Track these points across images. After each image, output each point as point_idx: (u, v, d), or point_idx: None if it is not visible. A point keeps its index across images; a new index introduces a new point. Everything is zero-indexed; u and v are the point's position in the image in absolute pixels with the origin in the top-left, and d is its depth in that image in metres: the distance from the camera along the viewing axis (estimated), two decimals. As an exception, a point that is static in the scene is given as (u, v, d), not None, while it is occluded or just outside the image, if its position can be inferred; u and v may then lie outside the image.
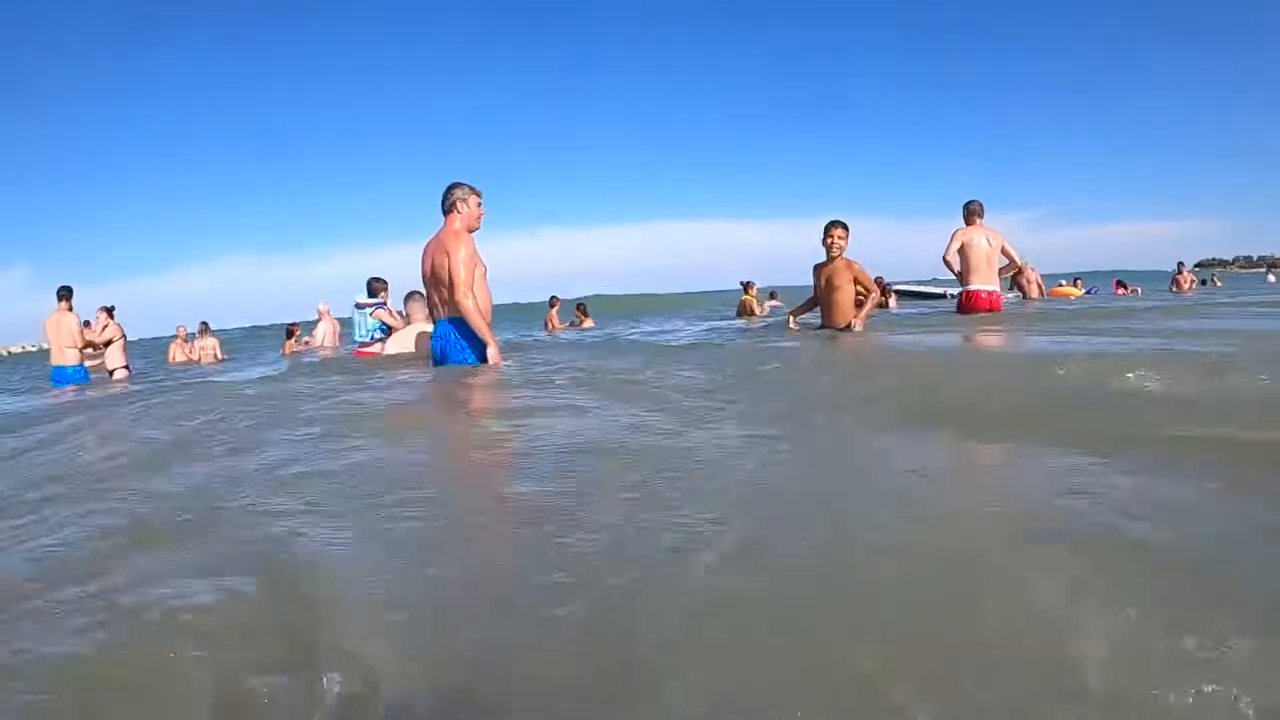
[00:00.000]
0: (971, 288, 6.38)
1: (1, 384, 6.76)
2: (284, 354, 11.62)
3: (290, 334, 11.93)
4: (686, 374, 3.14)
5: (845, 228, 5.07)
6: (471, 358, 3.93)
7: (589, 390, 2.88)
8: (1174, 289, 14.77)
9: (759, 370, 3.27)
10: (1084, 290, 14.95)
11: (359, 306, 7.35)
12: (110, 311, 8.93)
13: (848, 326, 4.99)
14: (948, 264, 6.46)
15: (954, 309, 6.67)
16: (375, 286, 7.49)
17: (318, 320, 10.85)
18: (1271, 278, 24.03)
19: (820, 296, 5.22)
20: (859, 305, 5.10)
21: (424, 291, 4.26)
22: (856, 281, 5.05)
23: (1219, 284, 15.91)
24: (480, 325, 3.86)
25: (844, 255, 5.08)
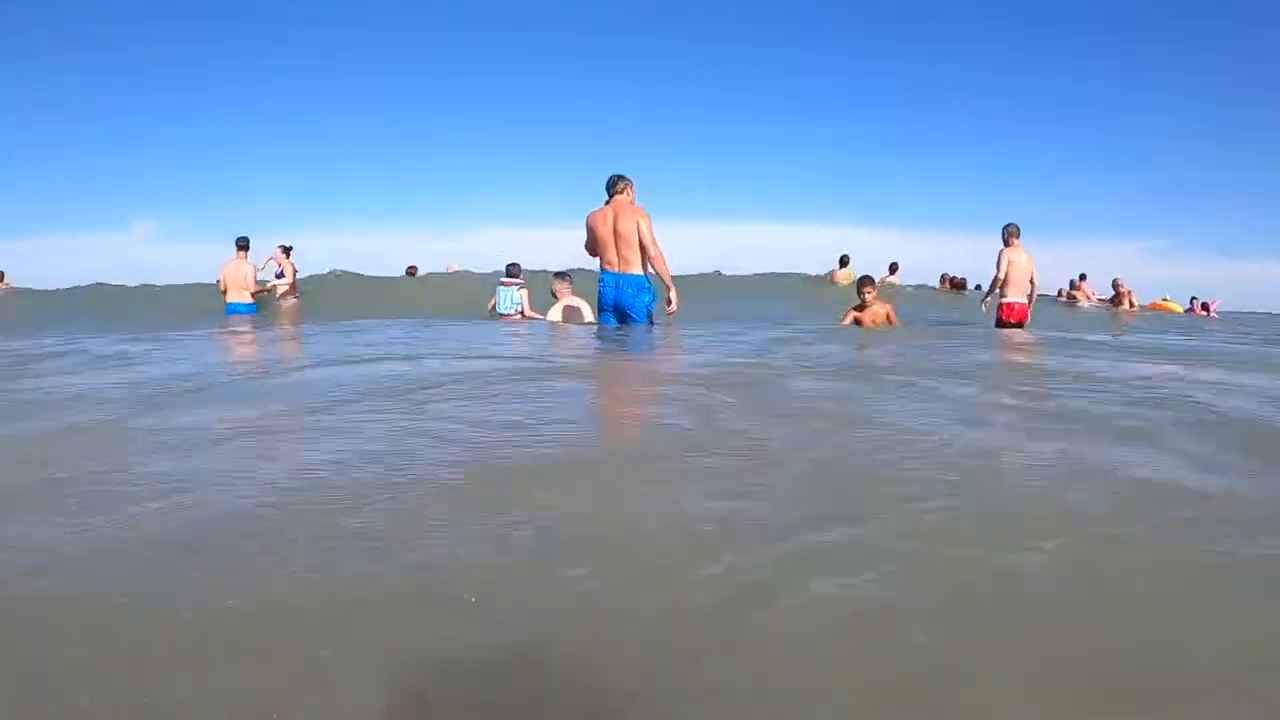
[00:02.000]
0: (1007, 300, 7.44)
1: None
2: None
3: (410, 273, 14.02)
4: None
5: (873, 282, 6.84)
6: (640, 308, 5.27)
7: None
8: None
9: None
10: (1201, 310, 14.87)
11: (503, 285, 9.16)
12: (288, 251, 10.49)
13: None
14: (997, 282, 7.51)
15: (993, 317, 7.66)
16: (514, 270, 9.22)
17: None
18: None
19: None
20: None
21: (588, 262, 5.61)
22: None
23: None
24: (668, 274, 5.35)
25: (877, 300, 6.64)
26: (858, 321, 6.48)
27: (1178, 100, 31.00)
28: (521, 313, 8.80)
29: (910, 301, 10.72)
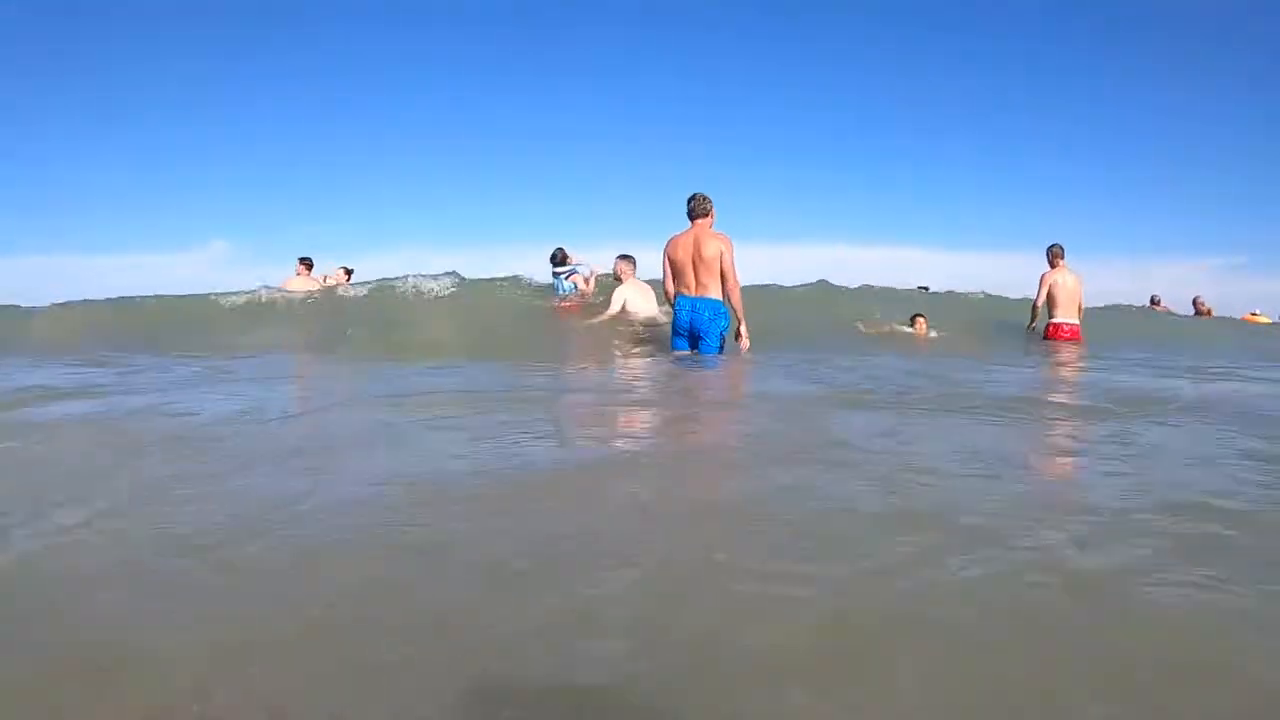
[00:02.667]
0: (1055, 320, 7.31)
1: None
2: None
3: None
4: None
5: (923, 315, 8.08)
6: (716, 333, 5.17)
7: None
8: None
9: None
10: None
11: (556, 274, 9.30)
12: (349, 272, 10.73)
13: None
14: (1037, 309, 7.42)
15: (1042, 338, 7.49)
16: (560, 255, 9.20)
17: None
18: None
19: None
20: None
21: (662, 267, 5.36)
22: None
23: None
24: (742, 307, 5.25)
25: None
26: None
27: (1245, 111, 27.97)
28: (583, 294, 8.53)
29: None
